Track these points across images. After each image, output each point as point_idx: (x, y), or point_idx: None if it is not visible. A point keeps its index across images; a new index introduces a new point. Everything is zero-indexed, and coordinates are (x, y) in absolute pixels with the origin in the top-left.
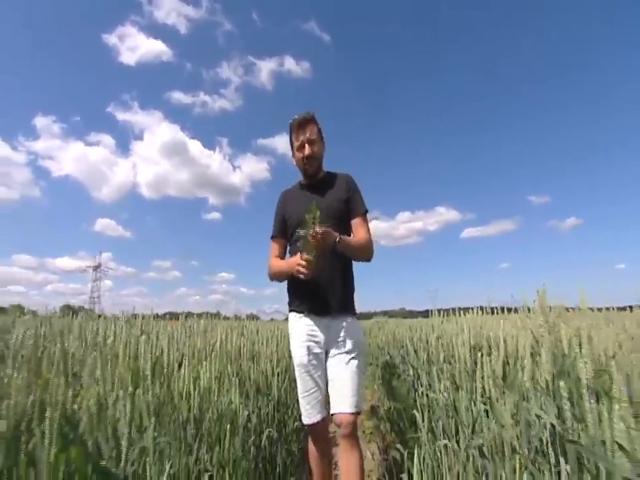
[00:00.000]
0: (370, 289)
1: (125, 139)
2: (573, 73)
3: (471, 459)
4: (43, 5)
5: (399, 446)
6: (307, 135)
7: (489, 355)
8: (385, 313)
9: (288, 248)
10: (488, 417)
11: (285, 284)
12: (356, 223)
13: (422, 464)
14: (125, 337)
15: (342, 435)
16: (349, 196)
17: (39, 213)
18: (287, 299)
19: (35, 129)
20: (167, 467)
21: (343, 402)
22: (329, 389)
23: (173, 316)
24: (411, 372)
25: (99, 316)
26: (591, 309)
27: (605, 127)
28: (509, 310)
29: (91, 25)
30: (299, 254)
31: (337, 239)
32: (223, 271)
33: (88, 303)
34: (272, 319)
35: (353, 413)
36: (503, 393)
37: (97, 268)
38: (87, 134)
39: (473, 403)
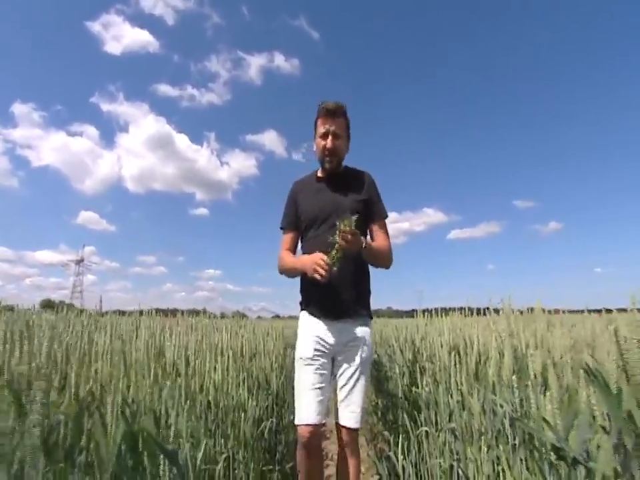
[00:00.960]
0: None
1: (109, 130)
2: (558, 81)
3: (447, 442)
4: None
5: (385, 433)
6: (334, 126)
7: (465, 354)
8: (373, 313)
9: (300, 244)
10: (462, 407)
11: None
12: (376, 228)
13: (405, 447)
14: (148, 335)
15: (343, 441)
16: (369, 197)
17: (17, 203)
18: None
19: (13, 116)
20: (202, 446)
21: (349, 417)
22: (334, 398)
23: (160, 312)
24: (397, 370)
25: (81, 311)
26: (550, 312)
27: (588, 135)
28: (489, 311)
29: (73, 11)
30: (317, 252)
31: (364, 245)
32: (209, 267)
33: (70, 298)
34: (259, 317)
35: (356, 429)
36: (473, 387)
37: (79, 262)
38: (70, 124)
39: (450, 396)
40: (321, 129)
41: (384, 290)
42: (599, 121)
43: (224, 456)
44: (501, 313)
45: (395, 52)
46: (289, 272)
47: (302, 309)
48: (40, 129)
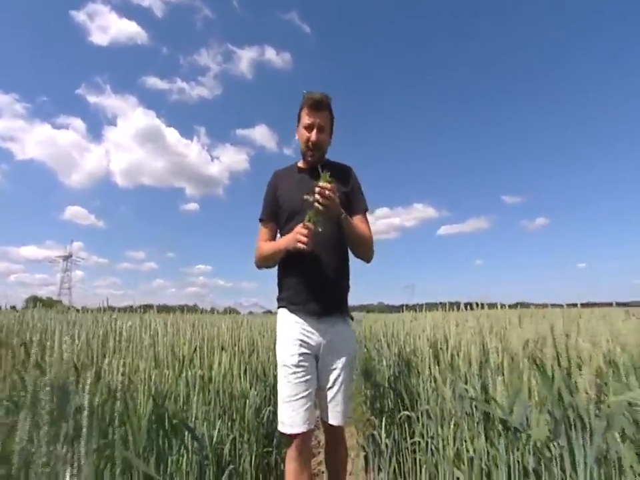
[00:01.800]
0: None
1: (96, 123)
2: (546, 79)
3: (423, 423)
4: None
5: (372, 418)
6: (319, 119)
7: (441, 349)
8: (364, 308)
9: (278, 235)
10: (437, 394)
11: (274, 276)
12: (357, 220)
13: (389, 429)
14: (163, 331)
15: (330, 435)
16: (350, 190)
17: (0, 197)
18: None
19: None
20: (217, 424)
21: (335, 414)
22: (319, 397)
23: (149, 308)
24: (384, 363)
25: (69, 308)
26: (535, 306)
27: (575, 132)
28: (476, 306)
29: None
30: (299, 225)
31: (343, 215)
32: (200, 263)
33: (58, 295)
34: (250, 312)
35: (342, 425)
36: (447, 377)
37: (67, 258)
38: (55, 116)
39: (429, 384)
40: (306, 120)
41: (375, 285)
42: (587, 118)
43: (230, 437)
44: (477, 308)
45: (386, 47)
46: (268, 258)
47: (280, 306)
48: (23, 121)
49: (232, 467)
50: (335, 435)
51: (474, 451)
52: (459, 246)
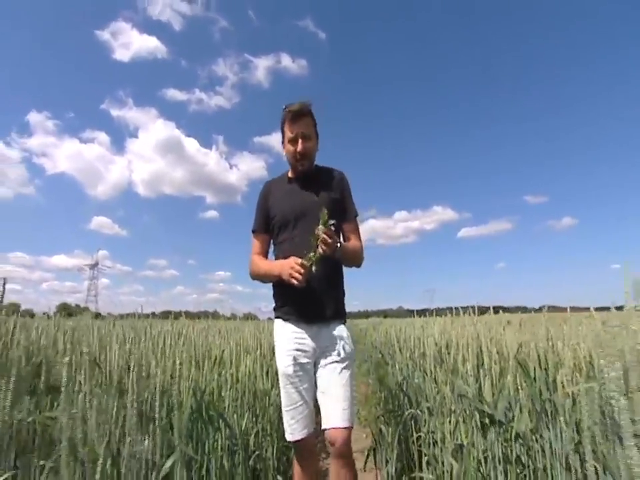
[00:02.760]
0: (367, 288)
1: (119, 136)
2: (569, 74)
3: (425, 420)
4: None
5: (381, 416)
6: (302, 128)
7: (446, 352)
8: (383, 312)
9: (272, 247)
10: (437, 393)
11: (270, 287)
12: (348, 227)
13: (396, 424)
14: (194, 335)
15: (335, 453)
16: (341, 196)
17: (33, 211)
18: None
19: (28, 125)
20: (245, 417)
21: (336, 415)
22: (320, 401)
23: (169, 314)
24: (397, 366)
25: (97, 315)
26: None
27: (601, 128)
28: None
29: (83, 21)
30: (292, 257)
31: (338, 246)
32: (219, 269)
33: (85, 301)
34: (269, 318)
35: (347, 427)
36: (450, 378)
37: (94, 266)
38: (82, 131)
39: (432, 385)
40: (289, 134)
41: (395, 289)
42: (611, 114)
43: (255, 430)
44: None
45: (402, 51)
46: (263, 277)
47: (276, 316)
48: (54, 137)
49: (257, 452)
50: (340, 446)
51: (467, 442)
52: (481, 248)
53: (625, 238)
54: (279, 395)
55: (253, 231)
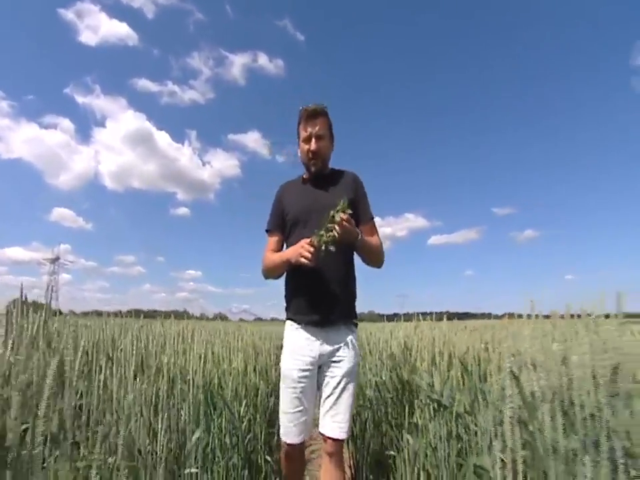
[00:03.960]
0: None
1: (85, 124)
2: (537, 92)
3: (389, 409)
4: None
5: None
6: (316, 128)
7: (408, 352)
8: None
9: (284, 246)
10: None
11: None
12: (366, 229)
13: (367, 420)
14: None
15: (328, 452)
16: (356, 198)
17: None
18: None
19: None
20: (243, 404)
21: (331, 427)
22: (322, 408)
23: (139, 313)
24: (367, 366)
25: (56, 313)
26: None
27: (567, 145)
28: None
29: None
30: (302, 240)
31: (359, 236)
32: (190, 268)
33: (44, 298)
34: (240, 319)
35: (342, 440)
36: (410, 375)
37: (55, 261)
38: (42, 115)
39: (397, 379)
40: (304, 133)
41: (367, 293)
42: (575, 132)
43: (247, 417)
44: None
45: (380, 56)
46: (274, 269)
47: (287, 318)
48: (9, 119)
49: (250, 434)
50: (332, 452)
51: (421, 424)
52: (450, 256)
53: (578, 251)
54: (268, 389)
55: (267, 231)
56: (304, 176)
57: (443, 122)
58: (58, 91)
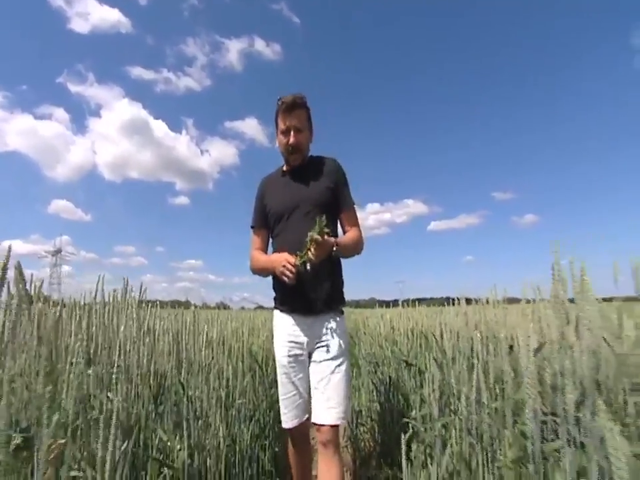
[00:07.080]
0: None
1: (79, 113)
2: (539, 78)
3: (376, 369)
4: None
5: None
6: (295, 121)
7: (398, 334)
8: (355, 303)
9: (270, 240)
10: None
11: (269, 278)
12: (345, 217)
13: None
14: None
15: (322, 441)
16: (336, 185)
17: None
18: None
19: None
20: (246, 379)
21: (324, 413)
22: (312, 396)
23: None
24: (363, 351)
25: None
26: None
27: (567, 129)
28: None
29: None
30: (283, 254)
31: (334, 247)
32: (190, 257)
33: (47, 290)
34: (242, 308)
35: (333, 425)
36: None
37: (56, 253)
38: (37, 106)
39: (384, 352)
40: (282, 126)
41: (367, 280)
42: (575, 118)
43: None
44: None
45: (377, 40)
46: (260, 272)
47: (274, 307)
48: (3, 111)
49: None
50: (327, 440)
51: (396, 375)
52: (450, 241)
53: (579, 236)
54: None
55: (252, 227)
56: (283, 168)
57: (442, 108)
58: (51, 80)
